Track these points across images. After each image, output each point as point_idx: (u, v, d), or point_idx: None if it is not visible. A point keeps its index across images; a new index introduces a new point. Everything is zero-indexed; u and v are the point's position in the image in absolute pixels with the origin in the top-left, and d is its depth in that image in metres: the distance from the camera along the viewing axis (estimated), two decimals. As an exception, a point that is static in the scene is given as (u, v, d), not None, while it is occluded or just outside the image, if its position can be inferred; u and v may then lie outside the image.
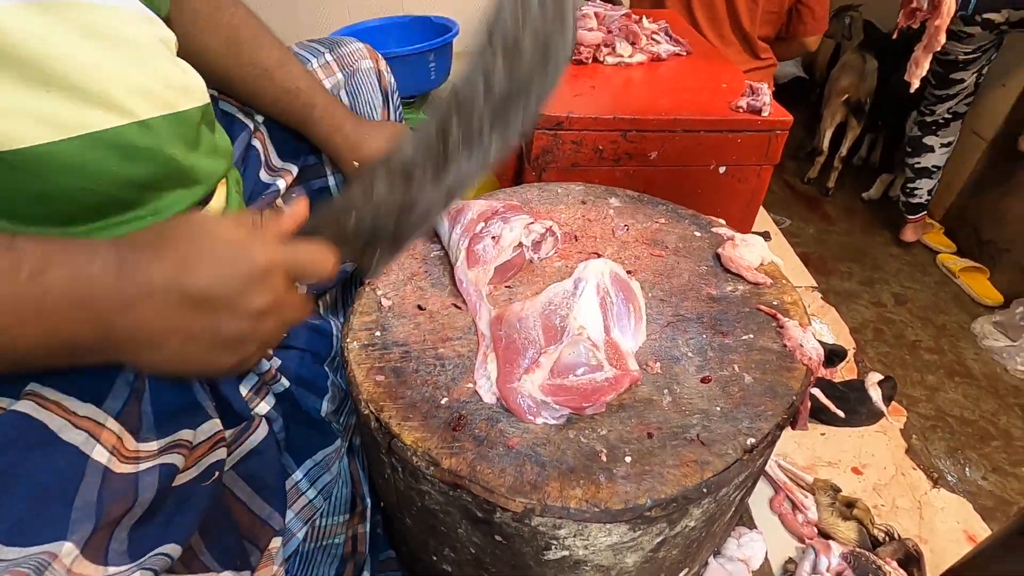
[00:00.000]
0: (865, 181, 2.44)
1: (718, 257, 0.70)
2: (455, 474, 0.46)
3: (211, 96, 0.66)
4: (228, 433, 0.50)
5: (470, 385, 0.53)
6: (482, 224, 0.65)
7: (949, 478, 1.31)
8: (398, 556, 0.71)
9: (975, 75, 1.77)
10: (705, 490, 0.46)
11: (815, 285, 1.47)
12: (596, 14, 1.27)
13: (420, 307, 0.62)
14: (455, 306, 0.62)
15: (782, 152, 1.06)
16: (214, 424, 0.47)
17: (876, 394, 1.06)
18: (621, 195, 0.82)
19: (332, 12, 1.90)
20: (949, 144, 1.93)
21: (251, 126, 0.67)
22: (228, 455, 0.50)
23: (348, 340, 0.57)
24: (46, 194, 0.40)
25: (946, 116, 1.88)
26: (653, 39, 1.30)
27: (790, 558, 0.82)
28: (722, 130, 1.01)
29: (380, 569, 0.69)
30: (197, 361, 0.37)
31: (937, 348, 1.74)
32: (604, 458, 0.47)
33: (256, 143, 0.67)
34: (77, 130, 0.39)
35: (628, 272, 0.65)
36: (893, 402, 1.09)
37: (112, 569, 0.35)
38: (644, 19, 1.35)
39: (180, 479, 0.42)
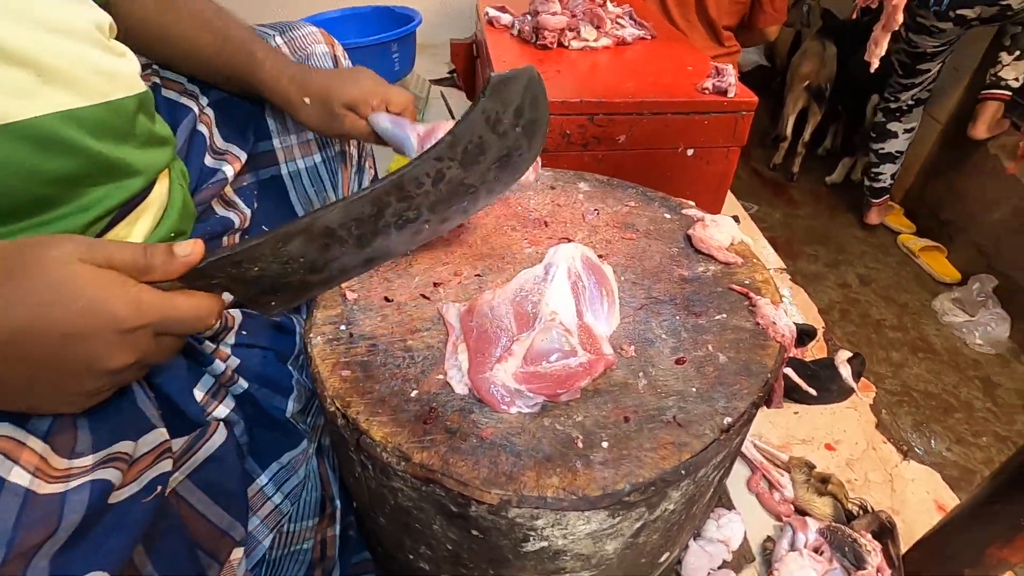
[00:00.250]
0: (829, 166, 2.49)
1: (689, 238, 0.69)
2: (427, 468, 0.44)
3: (153, 85, 0.62)
4: (181, 441, 0.47)
5: (441, 376, 0.51)
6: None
7: (917, 450, 1.35)
8: (373, 557, 0.69)
9: (940, 65, 1.82)
10: (684, 472, 0.45)
11: (784, 267, 1.49)
12: (560, -1, 1.25)
13: (387, 299, 0.59)
14: (423, 296, 0.60)
15: (748, 138, 1.06)
16: (159, 434, 0.43)
17: (846, 371, 1.08)
18: (590, 179, 0.81)
19: (301, 2, 1.91)
20: (912, 129, 1.99)
21: (196, 110, 0.63)
22: (183, 464, 0.47)
23: (311, 335, 0.55)
24: None
25: (910, 103, 1.93)
26: (618, 23, 1.29)
27: (768, 536, 0.83)
28: (689, 112, 1.01)
29: (355, 572, 0.67)
30: (44, 407, 0.35)
31: (900, 326, 1.79)
32: (580, 444, 0.46)
33: (202, 128, 0.63)
34: None
35: (600, 256, 0.64)
36: (862, 378, 1.11)
37: None
38: (608, 3, 1.34)
39: (117, 496, 0.38)
